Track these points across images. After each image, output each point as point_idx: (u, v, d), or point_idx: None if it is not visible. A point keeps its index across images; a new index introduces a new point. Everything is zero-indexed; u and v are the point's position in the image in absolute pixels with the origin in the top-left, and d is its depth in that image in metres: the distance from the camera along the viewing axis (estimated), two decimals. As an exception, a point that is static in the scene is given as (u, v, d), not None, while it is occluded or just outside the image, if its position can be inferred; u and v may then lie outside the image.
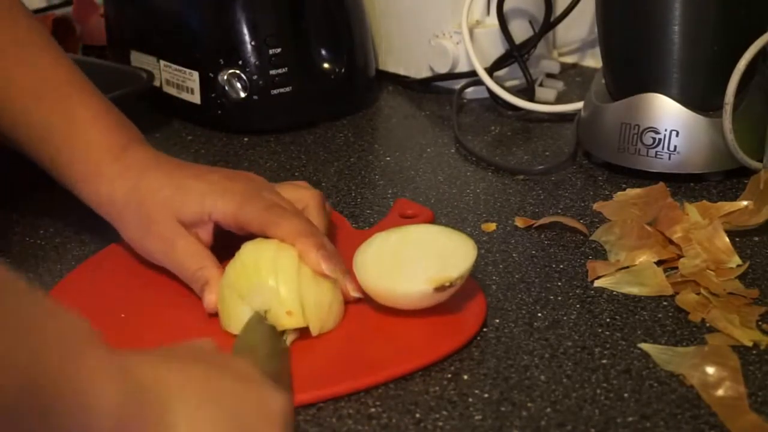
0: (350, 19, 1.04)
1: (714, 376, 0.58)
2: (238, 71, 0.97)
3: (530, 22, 1.06)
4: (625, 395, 0.57)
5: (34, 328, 0.41)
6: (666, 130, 0.83)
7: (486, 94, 1.03)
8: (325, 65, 1.02)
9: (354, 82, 1.05)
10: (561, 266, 0.72)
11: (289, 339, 0.61)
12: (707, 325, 0.64)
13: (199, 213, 0.67)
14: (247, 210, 0.66)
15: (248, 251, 0.64)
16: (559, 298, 0.68)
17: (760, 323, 0.63)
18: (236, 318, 0.62)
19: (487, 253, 0.74)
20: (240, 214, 0.66)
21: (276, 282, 0.62)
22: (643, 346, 0.62)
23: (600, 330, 0.64)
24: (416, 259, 0.64)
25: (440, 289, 0.62)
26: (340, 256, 0.65)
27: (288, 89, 0.99)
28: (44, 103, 0.70)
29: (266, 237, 0.65)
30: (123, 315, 0.66)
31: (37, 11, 1.31)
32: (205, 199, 0.67)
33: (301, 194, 0.70)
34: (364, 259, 0.65)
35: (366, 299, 0.65)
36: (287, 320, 0.61)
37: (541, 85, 1.09)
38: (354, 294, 0.64)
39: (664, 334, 0.63)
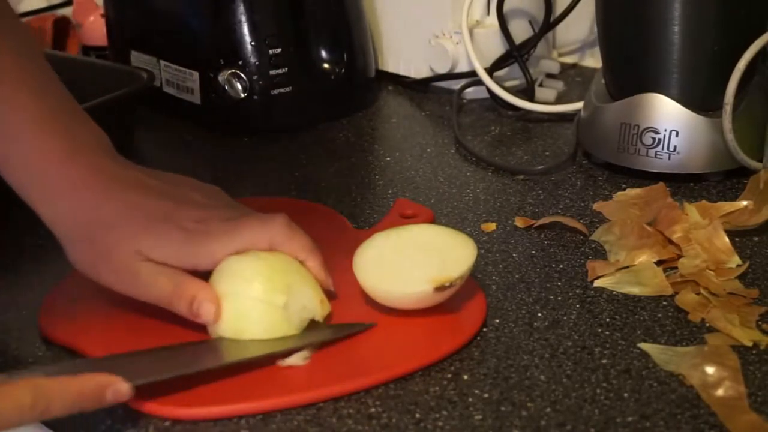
0: (350, 19, 1.04)
1: (714, 376, 0.58)
2: (238, 71, 0.97)
3: (530, 22, 1.06)
4: (625, 395, 0.57)
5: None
6: (666, 130, 0.83)
7: (486, 94, 1.03)
8: (325, 65, 1.02)
9: (354, 82, 1.05)
10: (561, 266, 0.72)
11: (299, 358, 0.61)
12: (707, 325, 0.64)
13: (178, 264, 0.62)
14: (246, 237, 0.63)
15: (254, 263, 0.62)
16: (559, 298, 0.68)
17: (760, 323, 0.63)
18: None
19: (487, 253, 0.74)
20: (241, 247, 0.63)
21: (302, 278, 0.63)
22: (643, 346, 0.62)
23: (600, 330, 0.64)
24: (416, 259, 0.64)
25: (440, 289, 0.62)
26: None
27: (288, 89, 0.99)
28: None
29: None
30: (123, 315, 0.66)
31: (37, 11, 1.31)
32: (185, 248, 0.62)
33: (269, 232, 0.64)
34: (364, 260, 0.65)
35: (366, 299, 0.65)
36: (322, 308, 0.63)
37: (541, 85, 1.09)
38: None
39: (664, 334, 0.63)
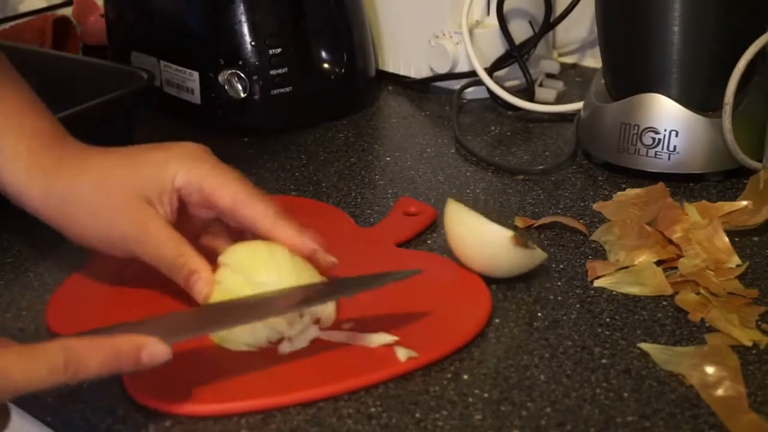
0: (350, 19, 1.04)
1: (714, 376, 0.58)
2: (238, 71, 0.97)
3: (530, 22, 1.06)
4: (625, 395, 0.57)
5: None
6: (666, 130, 0.83)
7: (486, 94, 1.03)
8: (325, 65, 1.02)
9: (354, 82, 1.05)
10: (561, 266, 0.72)
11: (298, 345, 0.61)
12: (707, 325, 0.64)
13: (161, 181, 0.63)
14: (217, 178, 0.63)
15: (240, 257, 0.62)
16: (559, 298, 0.68)
17: (759, 323, 0.63)
18: (241, 329, 0.62)
19: (487, 253, 0.74)
20: (209, 180, 0.63)
21: (278, 280, 0.61)
22: (643, 345, 0.62)
23: (600, 330, 0.64)
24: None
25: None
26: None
27: (288, 89, 0.99)
28: None
29: (233, 210, 0.63)
30: (122, 316, 0.66)
31: (37, 11, 1.31)
32: (168, 165, 0.63)
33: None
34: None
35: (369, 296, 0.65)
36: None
37: (541, 85, 1.09)
38: (332, 261, 0.64)
39: (664, 333, 0.63)
